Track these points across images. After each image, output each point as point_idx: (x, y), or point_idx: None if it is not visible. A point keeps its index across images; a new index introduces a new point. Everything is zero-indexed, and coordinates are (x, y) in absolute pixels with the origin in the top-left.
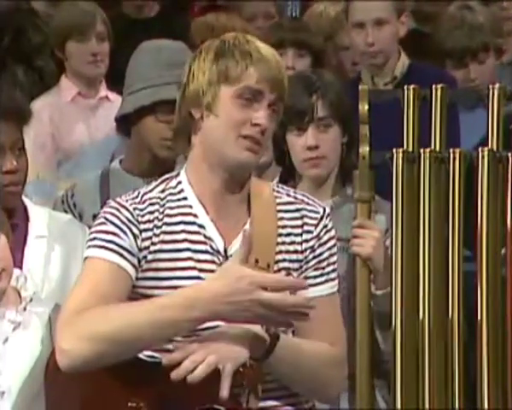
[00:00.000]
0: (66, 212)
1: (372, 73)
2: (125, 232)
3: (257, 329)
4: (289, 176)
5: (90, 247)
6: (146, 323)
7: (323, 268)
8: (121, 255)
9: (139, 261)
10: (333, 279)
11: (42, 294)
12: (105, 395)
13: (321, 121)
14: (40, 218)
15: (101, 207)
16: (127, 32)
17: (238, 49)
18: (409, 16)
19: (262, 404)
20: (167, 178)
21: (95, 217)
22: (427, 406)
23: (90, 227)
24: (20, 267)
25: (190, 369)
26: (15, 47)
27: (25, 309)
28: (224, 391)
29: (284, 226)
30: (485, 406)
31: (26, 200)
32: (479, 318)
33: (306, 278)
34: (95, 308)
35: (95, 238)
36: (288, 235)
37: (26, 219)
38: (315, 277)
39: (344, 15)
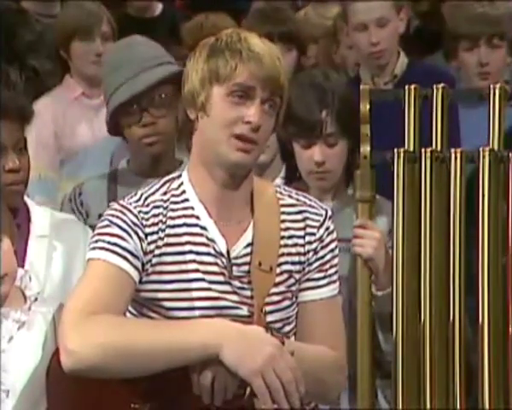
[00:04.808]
0: (73, 210)
1: (372, 73)
2: (130, 235)
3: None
4: (294, 175)
5: (93, 248)
6: (162, 345)
7: (326, 270)
8: (125, 258)
9: (144, 265)
10: (334, 281)
11: (44, 294)
12: (107, 397)
13: (329, 137)
14: (42, 218)
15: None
16: (131, 32)
17: (229, 47)
18: (408, 13)
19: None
20: (169, 180)
21: (100, 216)
22: (428, 406)
23: (94, 226)
24: (22, 267)
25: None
26: (7, 47)
27: (29, 309)
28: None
29: (287, 229)
30: (487, 406)
31: (27, 200)
32: (480, 318)
33: (308, 280)
34: (107, 315)
35: (99, 240)
36: (291, 237)
37: (28, 219)
38: (317, 279)
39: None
